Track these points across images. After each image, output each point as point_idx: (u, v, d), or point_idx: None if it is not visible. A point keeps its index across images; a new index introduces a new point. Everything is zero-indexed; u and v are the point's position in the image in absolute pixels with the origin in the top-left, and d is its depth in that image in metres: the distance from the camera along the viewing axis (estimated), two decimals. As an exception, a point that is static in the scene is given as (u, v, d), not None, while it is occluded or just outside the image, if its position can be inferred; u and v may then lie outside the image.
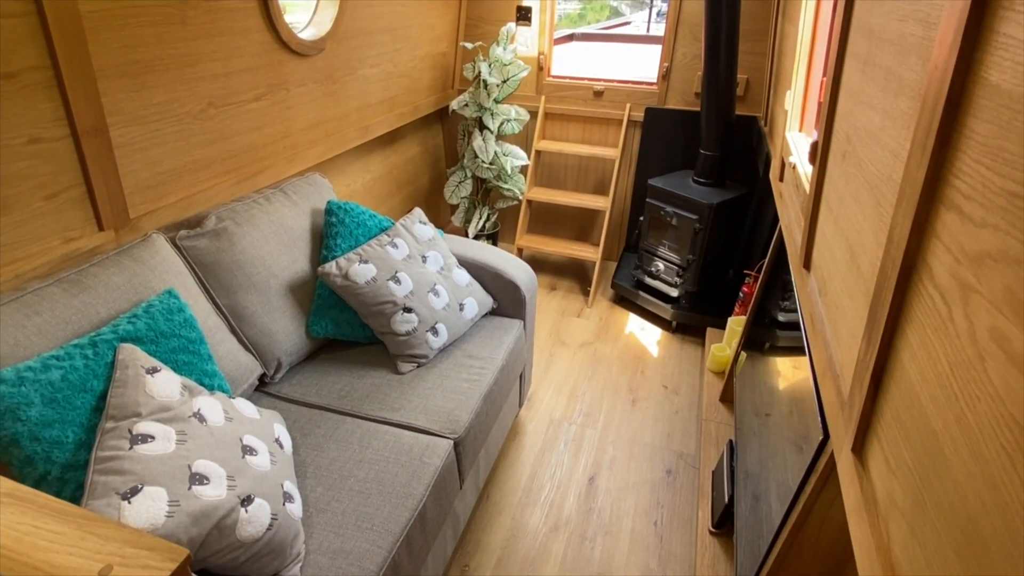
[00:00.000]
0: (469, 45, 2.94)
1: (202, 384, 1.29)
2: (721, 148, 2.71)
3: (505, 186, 3.18)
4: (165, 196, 1.60)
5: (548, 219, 3.56)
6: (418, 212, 1.91)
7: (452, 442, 1.48)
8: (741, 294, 2.51)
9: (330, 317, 1.72)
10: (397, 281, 1.69)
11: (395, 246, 1.75)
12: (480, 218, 3.26)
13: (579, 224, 3.52)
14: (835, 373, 1.02)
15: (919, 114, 0.69)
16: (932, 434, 0.60)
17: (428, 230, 1.88)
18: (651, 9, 6.92)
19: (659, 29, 6.69)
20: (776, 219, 2.32)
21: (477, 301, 1.89)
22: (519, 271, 1.98)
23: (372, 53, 2.40)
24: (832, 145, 1.19)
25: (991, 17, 0.55)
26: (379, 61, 2.48)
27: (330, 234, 1.76)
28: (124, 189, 1.47)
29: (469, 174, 3.19)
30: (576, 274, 3.43)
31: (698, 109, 2.99)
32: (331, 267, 1.65)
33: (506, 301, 1.98)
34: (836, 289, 1.07)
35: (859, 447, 0.84)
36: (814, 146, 1.31)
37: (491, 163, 3.10)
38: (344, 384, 1.65)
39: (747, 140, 2.93)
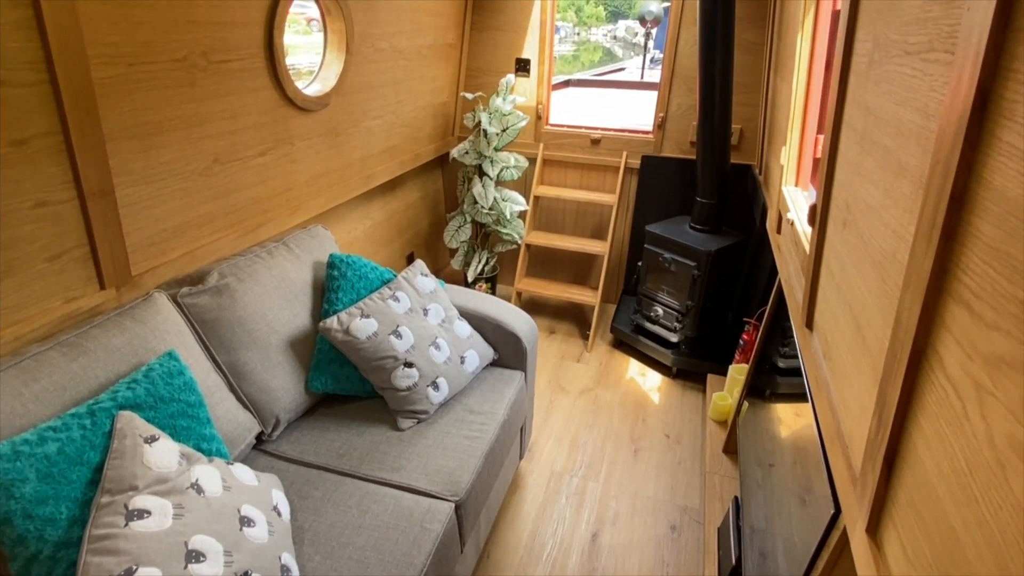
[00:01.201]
0: (469, 96, 3.01)
1: (200, 449, 1.26)
2: (717, 196, 2.76)
3: (504, 230, 3.21)
4: (168, 252, 1.61)
5: (547, 262, 3.58)
6: (419, 264, 1.92)
7: (453, 505, 1.44)
8: (741, 342, 2.51)
9: (330, 372, 1.71)
10: (398, 335, 1.68)
11: (396, 300, 1.75)
12: (479, 262, 3.28)
13: (577, 267, 3.54)
14: (844, 443, 1.01)
15: (922, 204, 0.70)
16: (952, 532, 0.59)
17: (429, 282, 1.89)
18: (645, 56, 7.14)
19: (652, 75, 6.88)
20: (774, 266, 2.34)
21: (478, 353, 1.88)
22: (520, 322, 1.98)
23: (375, 106, 2.45)
24: (831, 211, 1.21)
25: (992, 124, 0.57)
26: (382, 113, 2.53)
27: (332, 288, 1.76)
28: (127, 247, 1.47)
29: (468, 219, 3.22)
30: (575, 317, 3.43)
31: (694, 157, 3.05)
32: (332, 322, 1.64)
33: (507, 352, 1.97)
34: (841, 356, 1.07)
35: (873, 528, 0.82)
36: (813, 209, 1.33)
37: (490, 209, 3.13)
38: (343, 442, 1.62)
39: (742, 188, 2.98)
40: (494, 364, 2.00)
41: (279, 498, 1.27)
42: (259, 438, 1.63)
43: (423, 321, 1.77)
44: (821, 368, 1.23)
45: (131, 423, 1.11)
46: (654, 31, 6.76)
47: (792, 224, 1.67)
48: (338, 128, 2.23)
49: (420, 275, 1.88)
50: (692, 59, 2.91)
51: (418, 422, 1.69)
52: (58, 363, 1.18)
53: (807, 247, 1.45)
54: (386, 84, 2.49)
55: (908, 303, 0.72)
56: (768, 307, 2.05)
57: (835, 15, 1.69)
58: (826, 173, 1.25)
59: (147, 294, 1.45)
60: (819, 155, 1.88)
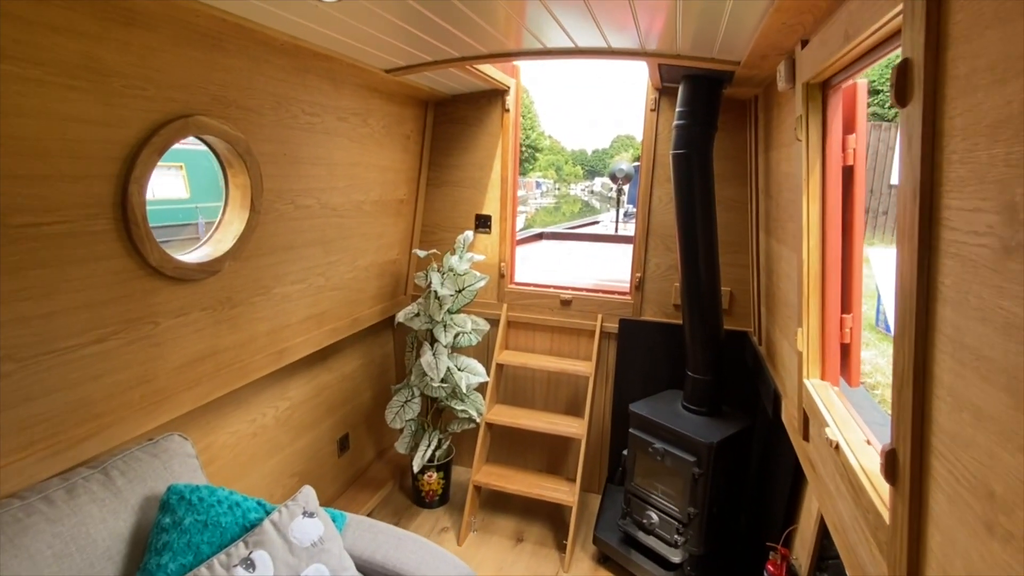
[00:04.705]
0: (421, 253, 2.65)
1: None
2: (712, 371, 2.27)
3: (460, 407, 2.65)
4: None
5: (513, 443, 2.98)
6: (304, 497, 1.33)
7: None
8: (766, 574, 1.85)
9: None
10: (241, 638, 1.04)
11: (250, 567, 1.14)
12: (429, 445, 2.67)
13: (551, 449, 2.93)
14: None
15: None
16: None
17: (313, 528, 1.28)
18: (618, 211, 7.22)
19: (627, 229, 6.87)
20: (797, 468, 1.78)
21: (383, 643, 1.22)
22: (453, 579, 1.34)
23: (295, 268, 2.04)
24: (934, 474, 0.70)
25: None
26: (305, 276, 2.11)
27: (156, 546, 1.16)
28: None
29: (417, 393, 2.68)
30: (549, 516, 2.74)
31: (679, 322, 2.63)
32: (128, 623, 1.01)
33: (432, 630, 1.31)
34: None
35: None
36: (890, 457, 0.82)
37: (443, 381, 2.61)
38: None
39: (739, 356, 2.52)
40: (412, 650, 1.32)
41: None
42: None
43: (291, 602, 1.14)
44: None
45: None
46: (626, 188, 6.89)
47: (836, 448, 1.15)
48: (235, 298, 1.77)
49: (301, 516, 1.29)
50: (668, 216, 2.62)
51: None
52: None
53: (882, 509, 0.91)
54: (312, 243, 2.10)
55: None
56: (811, 548, 1.46)
57: (847, 171, 1.35)
58: (912, 405, 0.76)
59: None
60: (847, 340, 1.43)
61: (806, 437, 1.49)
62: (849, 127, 1.33)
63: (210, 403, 1.80)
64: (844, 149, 1.34)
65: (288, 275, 2.00)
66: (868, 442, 1.12)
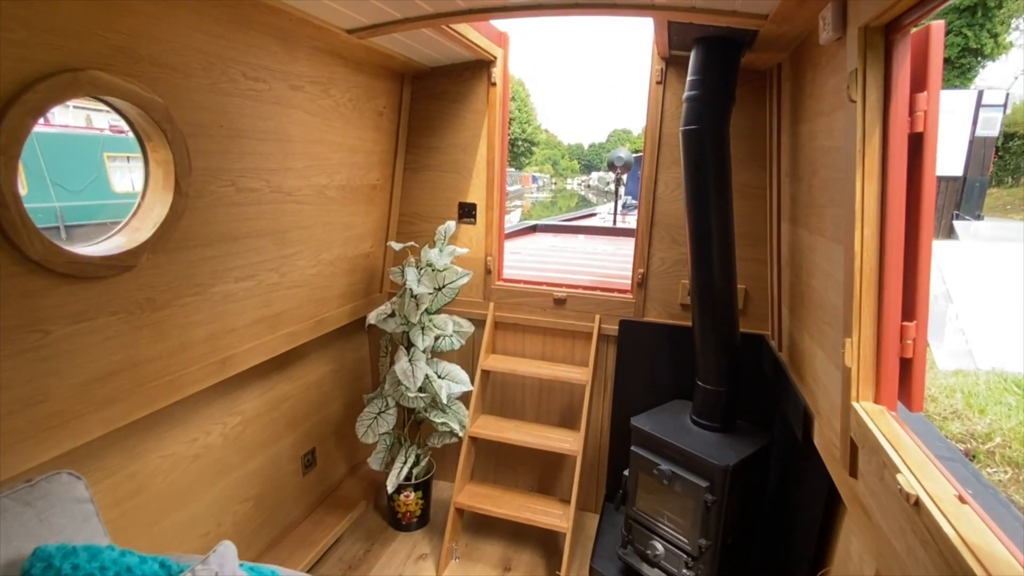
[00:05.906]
0: (397, 246, 2.35)
1: None
2: (726, 381, 1.99)
3: (440, 419, 2.36)
4: None
5: (500, 459, 2.69)
6: (219, 557, 1.04)
7: None
8: (794, 625, 1.57)
9: None
10: None
11: (130, 667, 0.84)
12: (405, 462, 2.38)
13: (543, 466, 2.65)
14: None
15: None
16: None
17: (229, 601, 0.99)
18: (616, 202, 6.89)
19: (625, 222, 6.56)
20: (832, 491, 1.50)
21: None
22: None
23: (240, 263, 1.73)
24: None
25: None
26: (254, 271, 1.81)
27: (4, 636, 0.86)
28: None
29: (392, 403, 2.39)
30: (540, 541, 2.45)
31: (687, 323, 2.34)
32: None
33: None
34: None
35: None
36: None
37: (420, 390, 2.32)
38: None
39: (754, 363, 2.24)
40: None
41: None
42: None
43: None
44: None
45: None
46: (624, 177, 6.58)
47: (916, 503, 0.86)
48: (159, 299, 1.47)
49: (211, 586, 0.99)
50: (675, 205, 2.33)
51: None
52: None
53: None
54: (261, 233, 1.80)
55: None
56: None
57: (915, 139, 1.06)
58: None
59: None
60: (908, 354, 1.15)
61: (853, 473, 1.20)
62: (919, 84, 1.04)
63: (135, 424, 1.50)
64: (912, 111, 1.05)
65: (231, 271, 1.70)
66: (961, 499, 0.84)
